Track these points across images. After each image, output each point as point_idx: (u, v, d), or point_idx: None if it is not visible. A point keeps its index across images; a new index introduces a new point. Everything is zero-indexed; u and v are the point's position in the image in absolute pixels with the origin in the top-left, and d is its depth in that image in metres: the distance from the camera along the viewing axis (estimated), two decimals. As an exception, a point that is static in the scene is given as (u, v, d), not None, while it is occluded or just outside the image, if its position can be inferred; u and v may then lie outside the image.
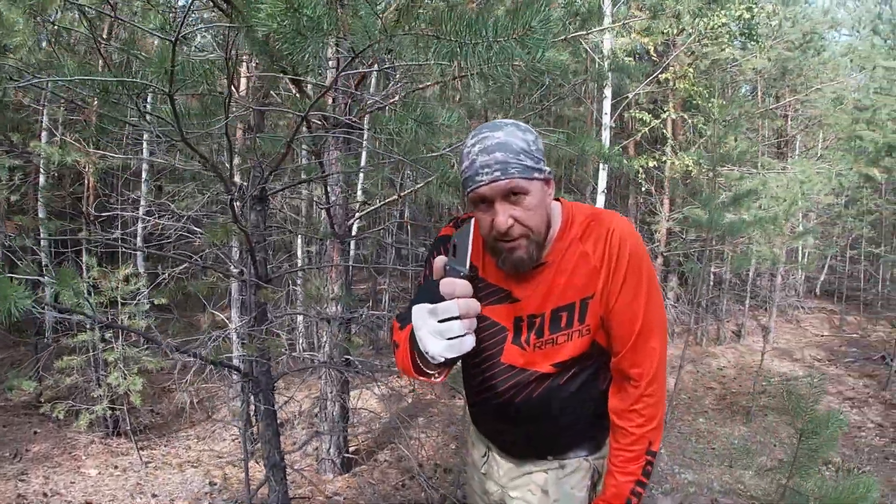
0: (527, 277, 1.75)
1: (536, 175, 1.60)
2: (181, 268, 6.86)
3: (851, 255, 16.87)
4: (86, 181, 7.38)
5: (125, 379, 6.24)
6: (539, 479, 1.92)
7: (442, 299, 1.35)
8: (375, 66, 4.85)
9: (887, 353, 11.46)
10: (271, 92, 5.23)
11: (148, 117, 2.39)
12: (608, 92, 9.42)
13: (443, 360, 1.36)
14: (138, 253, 8.53)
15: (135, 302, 6.23)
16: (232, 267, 5.83)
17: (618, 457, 1.78)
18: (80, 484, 5.77)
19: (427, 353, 1.36)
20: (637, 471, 1.76)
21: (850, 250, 16.52)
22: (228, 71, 2.01)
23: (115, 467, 6.30)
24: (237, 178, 3.75)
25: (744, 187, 7.06)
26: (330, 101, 5.27)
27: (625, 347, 1.72)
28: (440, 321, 1.35)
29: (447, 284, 1.35)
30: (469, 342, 1.35)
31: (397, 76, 4.78)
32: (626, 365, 1.74)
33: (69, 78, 1.86)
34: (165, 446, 7.12)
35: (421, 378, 1.59)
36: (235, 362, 6.38)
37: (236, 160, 3.33)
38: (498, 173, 1.56)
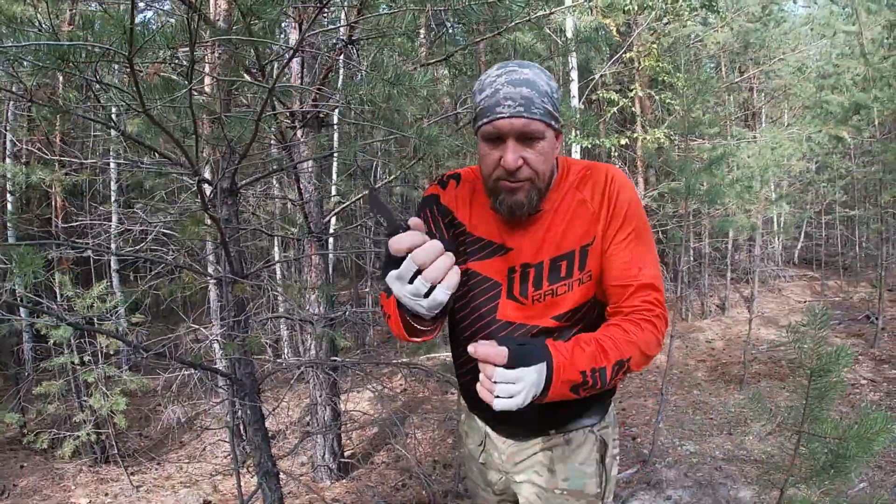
0: (521, 225, 1.67)
1: (553, 123, 1.54)
2: (156, 278, 6.68)
3: (826, 221, 17.04)
4: (53, 200, 7.20)
5: (107, 400, 6.05)
6: (544, 459, 1.80)
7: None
8: (342, 56, 4.76)
9: (871, 312, 11.55)
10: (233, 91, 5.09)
11: (109, 92, 2.24)
12: (574, 75, 9.38)
13: (430, 316, 1.35)
14: (114, 274, 8.34)
15: (110, 321, 6.04)
16: (209, 269, 5.68)
17: (592, 338, 1.48)
18: None
19: (405, 304, 1.32)
20: (602, 357, 1.43)
21: (825, 216, 16.67)
22: (191, 36, 1.88)
23: (106, 494, 6.13)
24: (206, 174, 3.61)
25: (716, 153, 7.02)
26: (297, 98, 5.16)
27: (628, 291, 1.58)
28: (409, 283, 1.26)
29: (394, 243, 1.24)
30: (440, 295, 1.25)
31: (363, 46, 4.65)
32: (625, 282, 1.59)
33: (21, 44, 1.72)
34: (156, 469, 6.97)
35: (417, 339, 1.55)
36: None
37: (205, 150, 3.20)
38: (521, 108, 1.48)
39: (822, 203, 16.15)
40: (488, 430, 1.90)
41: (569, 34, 8.79)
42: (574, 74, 9.31)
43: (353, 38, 4.53)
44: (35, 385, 6.47)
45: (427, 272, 1.23)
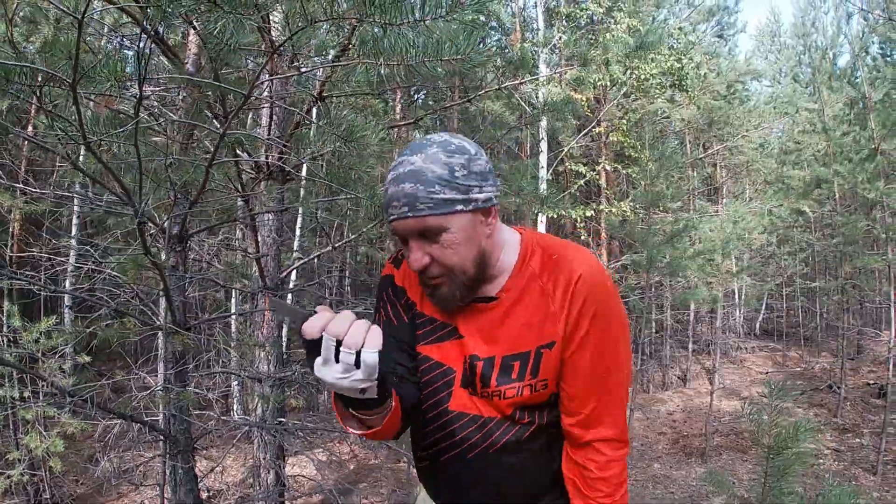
0: (475, 312, 1.48)
1: (459, 207, 1.33)
2: (102, 320, 6.44)
3: (787, 293, 17.27)
4: (11, 227, 6.97)
5: (43, 441, 5.72)
6: None
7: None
8: (311, 112, 4.70)
9: (833, 381, 11.61)
10: (194, 136, 5.00)
11: (49, 119, 2.11)
12: (544, 146, 9.50)
13: (359, 389, 1.20)
14: (67, 311, 8.04)
15: (53, 359, 5.77)
16: (160, 316, 5.45)
17: None
18: None
19: (344, 390, 1.21)
20: None
21: (786, 288, 16.91)
22: (140, 71, 1.77)
23: None
24: (161, 218, 3.46)
25: (679, 227, 7.08)
26: (263, 149, 5.06)
27: (585, 409, 1.45)
28: (336, 361, 1.16)
29: (306, 328, 1.16)
30: (368, 357, 1.15)
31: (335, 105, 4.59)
32: (589, 428, 1.46)
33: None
34: None
35: (360, 432, 1.39)
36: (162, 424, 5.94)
37: (157, 193, 3.06)
38: (405, 209, 1.33)
39: (784, 275, 16.39)
40: None
41: (538, 105, 8.91)
42: (543, 145, 9.43)
43: (322, 95, 4.48)
44: None
45: (347, 340, 1.15)
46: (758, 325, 19.22)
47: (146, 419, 3.37)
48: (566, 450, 1.51)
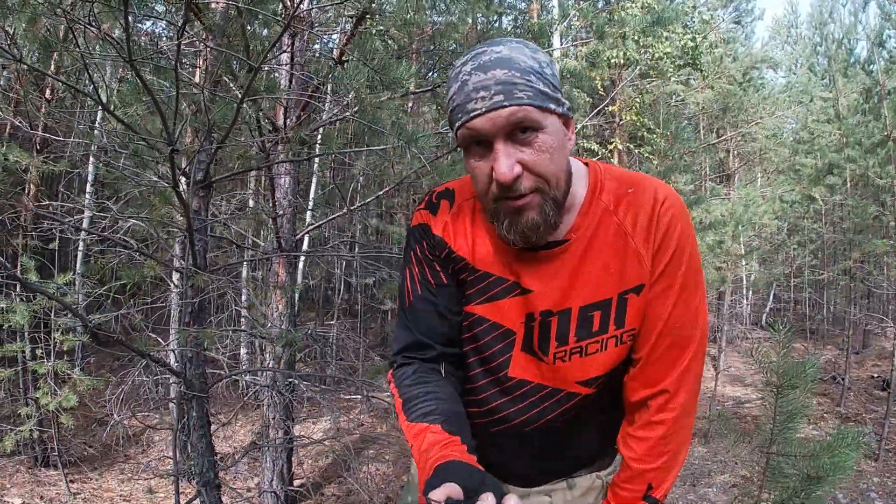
0: (542, 260, 1.28)
1: (553, 106, 1.14)
2: (120, 267, 6.52)
3: (795, 284, 17.25)
4: (27, 186, 7.05)
5: (54, 397, 5.79)
6: (543, 502, 1.48)
7: None
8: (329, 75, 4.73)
9: (837, 373, 11.65)
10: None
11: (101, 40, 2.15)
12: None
13: None
14: (78, 269, 8.13)
15: (70, 296, 5.87)
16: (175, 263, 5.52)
17: (611, 493, 1.39)
18: None
19: None
20: (635, 486, 1.33)
21: (795, 279, 16.89)
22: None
23: (41, 497, 5.89)
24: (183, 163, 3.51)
25: (690, 199, 7.11)
26: (282, 111, 5.10)
27: (646, 359, 1.30)
28: None
29: None
30: None
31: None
32: (644, 378, 1.31)
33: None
34: (96, 479, 6.71)
35: None
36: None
37: (186, 136, 3.11)
38: (500, 97, 1.11)
39: (792, 266, 16.38)
40: None
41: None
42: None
43: (342, 59, 4.51)
44: None
45: None
46: (764, 317, 19.21)
47: (164, 361, 3.43)
48: (627, 411, 1.37)
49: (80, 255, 8.32)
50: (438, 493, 0.99)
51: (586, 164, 1.34)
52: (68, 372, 6.02)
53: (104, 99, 2.56)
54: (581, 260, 1.26)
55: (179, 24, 1.96)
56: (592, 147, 10.12)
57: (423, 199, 1.43)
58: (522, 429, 1.37)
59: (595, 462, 1.47)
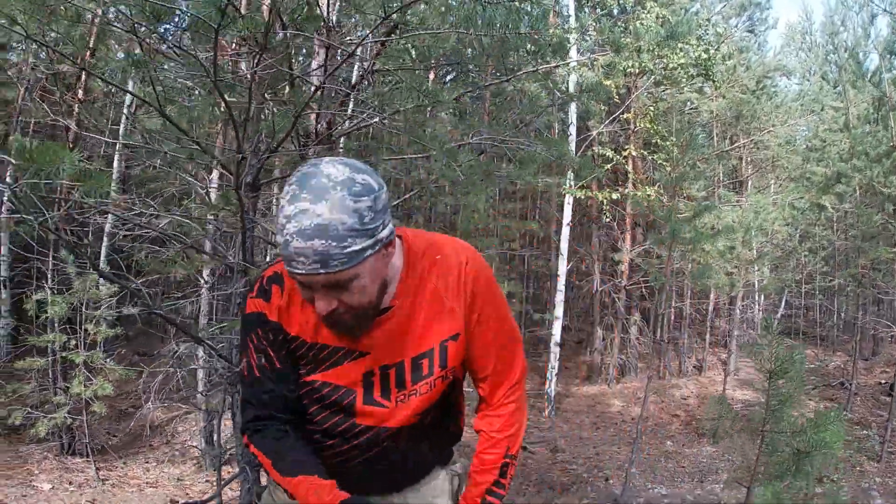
0: (373, 327, 1.51)
1: (369, 252, 1.31)
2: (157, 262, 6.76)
3: (807, 290, 17.36)
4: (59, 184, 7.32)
5: (87, 386, 6.06)
6: (396, 500, 1.79)
7: None
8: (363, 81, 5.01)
9: (845, 379, 11.81)
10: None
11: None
12: (573, 130, 9.76)
13: None
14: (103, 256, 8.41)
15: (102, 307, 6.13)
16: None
17: (475, 462, 1.74)
18: (32, 497, 5.45)
19: None
20: (495, 472, 1.71)
21: (806, 285, 17.00)
22: (267, 25, 2.12)
23: (70, 483, 6.05)
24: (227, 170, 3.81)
25: (702, 206, 7.35)
26: (313, 117, 5.38)
27: (491, 371, 1.66)
28: None
29: None
30: None
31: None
32: (499, 387, 1.68)
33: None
34: (123, 467, 6.94)
35: None
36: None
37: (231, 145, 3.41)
38: (316, 265, 1.27)
39: (803, 272, 16.51)
40: None
41: (571, 89, 9.19)
42: (573, 129, 9.70)
43: (374, 68, 4.80)
44: (16, 360, 6.44)
45: None
46: (776, 323, 19.21)
47: (213, 345, 3.69)
48: (481, 408, 1.72)
49: (104, 249, 8.60)
50: None
51: (401, 235, 1.54)
52: (101, 362, 6.25)
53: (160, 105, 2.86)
54: (407, 319, 1.52)
55: (257, 54, 2.25)
56: (607, 153, 10.36)
57: (255, 285, 1.57)
58: (374, 460, 1.66)
59: (434, 463, 1.80)
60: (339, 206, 1.23)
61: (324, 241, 1.23)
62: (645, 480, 7.07)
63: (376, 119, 3.58)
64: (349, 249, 1.25)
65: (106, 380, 6.15)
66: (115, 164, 8.78)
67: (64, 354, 6.39)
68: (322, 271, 1.26)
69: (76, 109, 7.89)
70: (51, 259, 7.14)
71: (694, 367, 14.40)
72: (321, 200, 1.23)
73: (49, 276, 6.91)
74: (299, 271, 1.27)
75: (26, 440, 7.34)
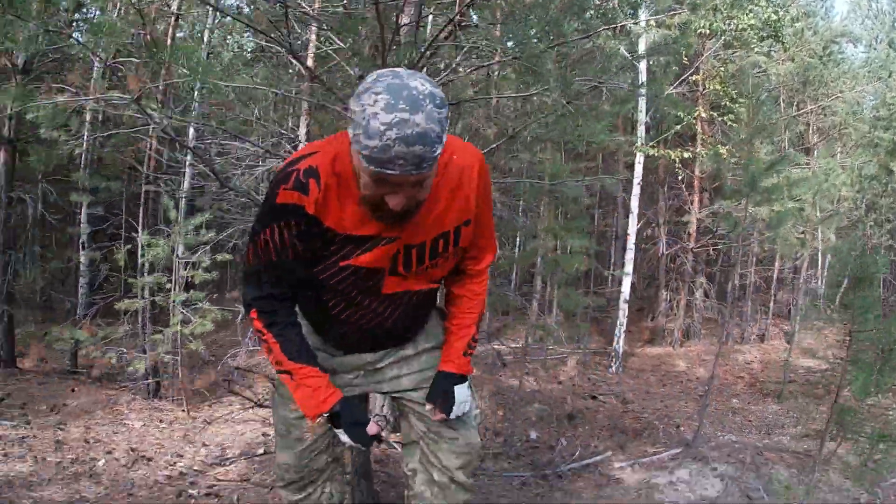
0: (405, 217, 1.77)
1: (440, 152, 1.54)
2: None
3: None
4: (149, 143, 7.70)
5: (186, 325, 6.35)
6: (409, 351, 2.17)
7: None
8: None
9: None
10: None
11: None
12: (643, 90, 9.77)
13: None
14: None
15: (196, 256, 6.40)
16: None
17: (457, 320, 2.10)
18: (124, 434, 5.38)
19: (345, 441, 1.95)
20: (473, 328, 2.10)
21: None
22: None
23: (161, 421, 6.10)
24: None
25: (776, 157, 7.36)
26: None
27: (478, 248, 2.02)
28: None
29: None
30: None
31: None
32: (482, 259, 2.05)
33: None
34: (210, 408, 7.11)
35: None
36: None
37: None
38: (412, 167, 1.48)
39: (869, 243, 16.16)
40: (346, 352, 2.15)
41: (642, 49, 9.20)
42: (643, 90, 9.69)
43: (462, 22, 4.88)
44: (116, 302, 6.76)
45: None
46: (838, 299, 18.89)
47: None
48: (462, 278, 2.08)
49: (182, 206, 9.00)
50: (373, 428, 1.90)
51: None
52: (199, 302, 6.55)
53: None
54: (430, 210, 1.77)
55: None
56: (678, 113, 10.33)
57: (288, 176, 1.70)
58: (389, 320, 1.99)
59: (424, 325, 2.16)
60: (431, 117, 1.45)
61: (421, 147, 1.44)
62: (714, 430, 7.18)
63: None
64: (435, 153, 1.48)
65: (204, 318, 6.41)
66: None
67: (155, 299, 6.70)
68: (415, 172, 1.48)
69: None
70: (141, 212, 7.51)
71: (756, 336, 14.32)
72: (418, 111, 1.44)
73: (140, 228, 7.24)
74: (394, 172, 1.47)
75: (118, 382, 7.71)
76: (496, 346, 8.09)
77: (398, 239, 1.79)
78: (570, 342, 9.79)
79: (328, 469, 2.32)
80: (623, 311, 9.42)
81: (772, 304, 14.37)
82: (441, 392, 2.08)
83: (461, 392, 2.09)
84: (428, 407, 2.10)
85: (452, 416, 2.08)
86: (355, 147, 1.51)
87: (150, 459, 4.59)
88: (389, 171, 1.48)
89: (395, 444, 2.06)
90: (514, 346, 9.25)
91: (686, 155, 9.87)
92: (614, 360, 9.04)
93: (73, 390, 6.69)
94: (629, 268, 9.45)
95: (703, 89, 11.16)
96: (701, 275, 12.62)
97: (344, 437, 1.94)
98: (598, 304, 10.57)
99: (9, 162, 7.51)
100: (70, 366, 8.25)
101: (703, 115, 10.89)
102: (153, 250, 6.17)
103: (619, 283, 9.53)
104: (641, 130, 9.38)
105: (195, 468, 4.58)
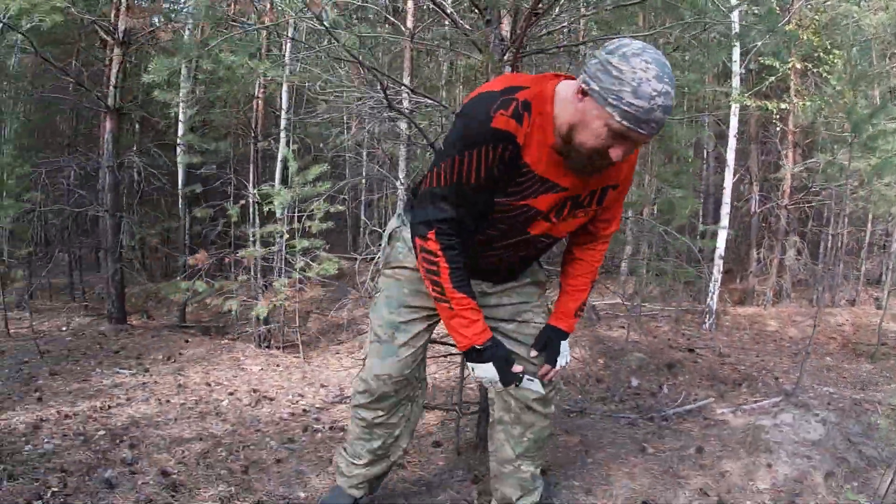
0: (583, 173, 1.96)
1: None
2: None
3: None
4: (255, 104, 8.03)
5: (308, 268, 6.54)
6: (513, 283, 2.39)
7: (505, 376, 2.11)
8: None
9: None
10: None
11: None
12: (736, 41, 9.55)
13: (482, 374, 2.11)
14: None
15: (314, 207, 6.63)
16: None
17: (573, 280, 2.30)
18: (243, 377, 5.54)
19: (486, 377, 2.11)
20: (586, 293, 2.30)
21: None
22: None
23: (277, 365, 6.25)
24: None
25: (882, 104, 7.10)
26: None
27: (610, 214, 2.20)
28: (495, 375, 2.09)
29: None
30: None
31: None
32: (608, 220, 2.21)
33: None
34: (323, 352, 7.32)
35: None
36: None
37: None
38: (656, 131, 1.69)
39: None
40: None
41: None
42: (736, 40, 9.49)
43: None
44: (228, 256, 7.12)
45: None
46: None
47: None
48: (587, 242, 2.28)
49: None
50: (518, 368, 2.11)
51: None
52: (317, 250, 6.78)
53: None
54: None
55: None
56: (773, 63, 10.06)
57: (508, 103, 1.79)
58: (519, 256, 2.21)
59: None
60: (673, 87, 1.64)
61: (667, 118, 1.66)
62: (811, 383, 7.12)
63: None
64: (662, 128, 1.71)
65: (323, 265, 6.61)
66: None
67: (271, 249, 6.94)
68: (654, 134, 1.69)
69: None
70: (251, 169, 7.82)
71: (847, 301, 13.93)
72: (672, 86, 1.64)
73: (251, 184, 7.57)
74: (643, 132, 1.66)
75: (230, 334, 8.05)
76: (591, 302, 8.15)
77: (567, 190, 1.97)
78: (662, 300, 9.79)
79: (420, 386, 2.51)
80: (718, 266, 9.32)
81: (863, 267, 13.91)
82: (549, 343, 2.29)
83: (565, 347, 2.30)
84: (533, 354, 2.31)
85: (557, 367, 2.29)
86: (612, 100, 1.65)
87: (272, 399, 4.81)
88: (642, 131, 1.66)
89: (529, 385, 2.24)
90: (606, 302, 9.32)
91: (783, 105, 9.61)
92: (708, 316, 8.97)
93: (186, 341, 6.96)
94: (725, 222, 9.32)
95: (797, 39, 10.81)
96: (794, 234, 12.30)
97: (481, 373, 2.09)
98: (689, 261, 10.44)
99: (115, 129, 7.89)
100: (179, 321, 8.68)
101: (797, 66, 10.55)
102: (279, 198, 6.44)
103: (714, 238, 9.39)
104: (736, 81, 9.19)
105: (317, 406, 4.79)
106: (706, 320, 8.95)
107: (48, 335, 6.99)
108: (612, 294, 9.45)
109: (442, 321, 2.15)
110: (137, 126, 11.10)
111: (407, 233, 2.23)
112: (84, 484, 2.86)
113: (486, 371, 2.07)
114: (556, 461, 3.45)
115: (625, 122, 1.64)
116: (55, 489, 2.76)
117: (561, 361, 2.29)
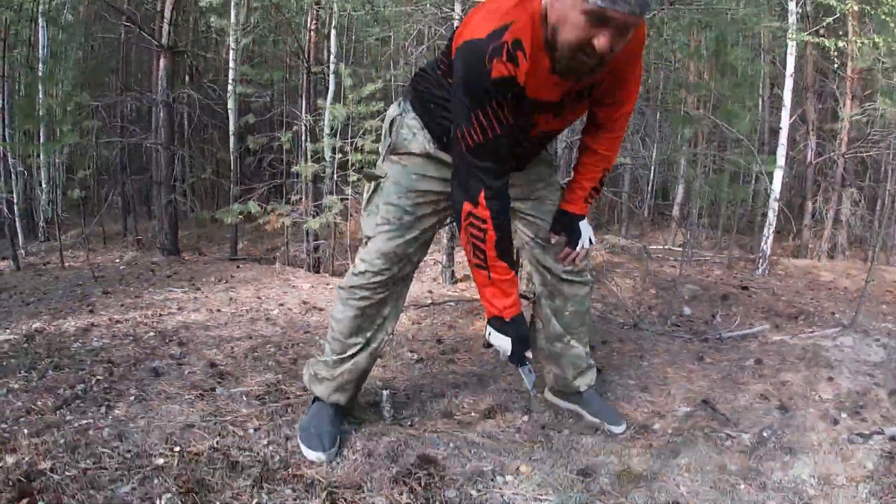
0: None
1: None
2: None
3: None
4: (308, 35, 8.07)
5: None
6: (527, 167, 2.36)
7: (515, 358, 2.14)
8: None
9: None
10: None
11: None
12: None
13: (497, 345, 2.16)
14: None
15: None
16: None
17: (584, 170, 2.30)
18: (293, 294, 5.49)
19: (500, 346, 2.13)
20: (595, 182, 2.30)
21: None
22: None
23: (328, 284, 6.16)
24: None
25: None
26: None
27: (617, 98, 2.11)
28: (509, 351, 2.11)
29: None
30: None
31: None
32: (614, 104, 2.13)
33: None
34: None
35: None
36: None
37: None
38: (637, 8, 1.57)
39: None
40: None
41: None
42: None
43: None
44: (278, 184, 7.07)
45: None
46: None
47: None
48: (599, 130, 2.25)
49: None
50: (529, 353, 2.14)
51: None
52: (366, 168, 6.75)
53: None
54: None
55: None
56: (830, 2, 9.67)
57: (500, 49, 1.74)
58: (525, 151, 2.20)
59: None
60: None
61: None
62: (869, 319, 6.95)
63: None
64: (651, 5, 1.70)
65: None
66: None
67: (325, 165, 6.93)
68: (637, 12, 1.57)
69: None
70: (303, 97, 7.83)
71: (898, 259, 13.55)
72: None
73: (302, 112, 7.59)
74: (622, 10, 1.55)
75: (286, 257, 8.06)
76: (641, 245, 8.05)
77: (563, 100, 1.99)
78: (713, 247, 9.61)
79: (407, 281, 2.40)
80: (773, 209, 9.05)
81: (920, 225, 13.47)
82: (567, 227, 2.32)
83: (584, 226, 2.33)
84: (554, 239, 2.34)
85: (579, 248, 2.32)
86: None
87: (321, 310, 4.80)
88: (618, 8, 1.55)
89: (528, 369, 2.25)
90: (656, 246, 9.21)
91: (841, 44, 9.23)
92: (761, 261, 8.77)
93: (237, 267, 7.05)
94: (781, 161, 9.01)
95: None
96: (852, 185, 11.92)
97: (496, 340, 2.13)
98: (740, 205, 10.25)
99: (169, 66, 7.98)
100: (231, 254, 8.79)
101: (855, 7, 10.11)
102: (334, 111, 6.47)
103: (769, 180, 9.11)
104: (793, 19, 8.86)
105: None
106: (759, 265, 8.76)
107: (102, 266, 7.13)
108: (664, 243, 9.33)
109: (472, 277, 2.23)
110: (190, 66, 11.17)
111: (410, 120, 2.20)
112: (130, 373, 2.91)
113: (502, 342, 2.11)
114: (611, 364, 3.44)
115: (598, 2, 1.56)
116: (100, 377, 2.81)
117: (584, 242, 2.32)
